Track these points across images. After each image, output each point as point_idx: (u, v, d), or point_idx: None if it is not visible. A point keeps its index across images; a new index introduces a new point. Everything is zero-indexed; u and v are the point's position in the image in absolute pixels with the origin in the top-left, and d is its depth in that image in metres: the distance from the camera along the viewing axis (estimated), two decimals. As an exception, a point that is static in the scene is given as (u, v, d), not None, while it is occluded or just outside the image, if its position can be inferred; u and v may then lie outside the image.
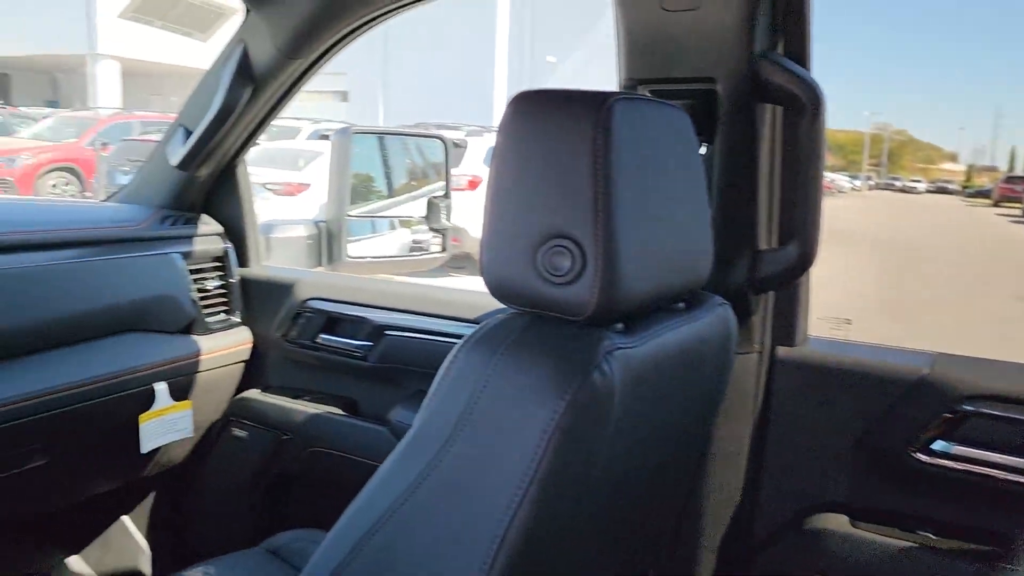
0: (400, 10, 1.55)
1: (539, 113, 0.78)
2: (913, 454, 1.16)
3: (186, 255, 1.70)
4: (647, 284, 0.81)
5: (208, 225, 1.79)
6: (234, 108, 1.61)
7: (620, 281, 0.76)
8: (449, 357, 0.80)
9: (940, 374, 1.16)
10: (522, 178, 0.78)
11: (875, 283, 10.16)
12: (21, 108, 16.80)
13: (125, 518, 1.93)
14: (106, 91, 21.36)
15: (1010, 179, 37.55)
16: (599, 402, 0.75)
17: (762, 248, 1.20)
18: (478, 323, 1.45)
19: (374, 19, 1.58)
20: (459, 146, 8.70)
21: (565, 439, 0.73)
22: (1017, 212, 29.94)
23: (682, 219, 0.86)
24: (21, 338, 1.41)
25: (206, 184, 1.78)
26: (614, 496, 0.88)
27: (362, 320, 1.68)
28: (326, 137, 11.45)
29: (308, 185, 8.81)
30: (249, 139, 1.74)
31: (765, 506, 1.26)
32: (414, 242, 3.23)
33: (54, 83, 24.87)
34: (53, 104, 20.45)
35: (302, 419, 1.68)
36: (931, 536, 1.15)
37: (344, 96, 28.07)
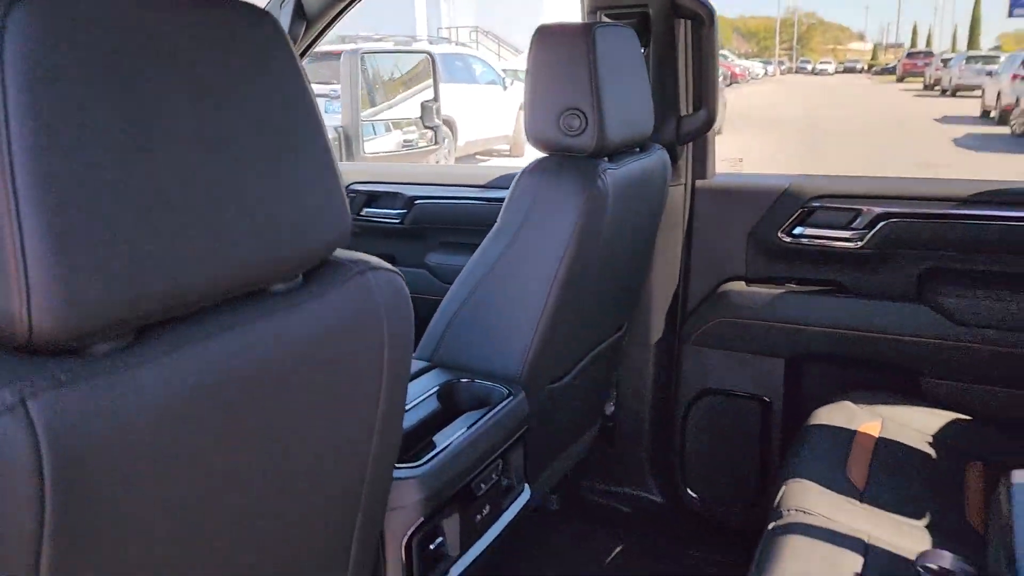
0: None
1: (553, 38, 1.32)
2: (782, 237, 1.75)
3: None
4: (621, 135, 1.36)
5: None
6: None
7: (607, 133, 1.30)
8: (515, 180, 1.33)
9: (797, 186, 1.75)
10: (549, 79, 1.33)
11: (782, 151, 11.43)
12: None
13: None
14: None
15: (911, 55, 38.99)
16: (599, 201, 1.28)
17: (683, 113, 1.77)
18: (489, 187, 2.04)
19: None
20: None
21: (583, 226, 1.26)
22: (919, 87, 29.29)
23: (635, 95, 1.44)
24: None
25: None
26: (608, 266, 1.46)
27: (396, 194, 2.22)
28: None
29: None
30: None
31: (694, 281, 1.89)
32: (404, 141, 3.85)
33: None
34: None
35: None
36: (793, 286, 1.79)
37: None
